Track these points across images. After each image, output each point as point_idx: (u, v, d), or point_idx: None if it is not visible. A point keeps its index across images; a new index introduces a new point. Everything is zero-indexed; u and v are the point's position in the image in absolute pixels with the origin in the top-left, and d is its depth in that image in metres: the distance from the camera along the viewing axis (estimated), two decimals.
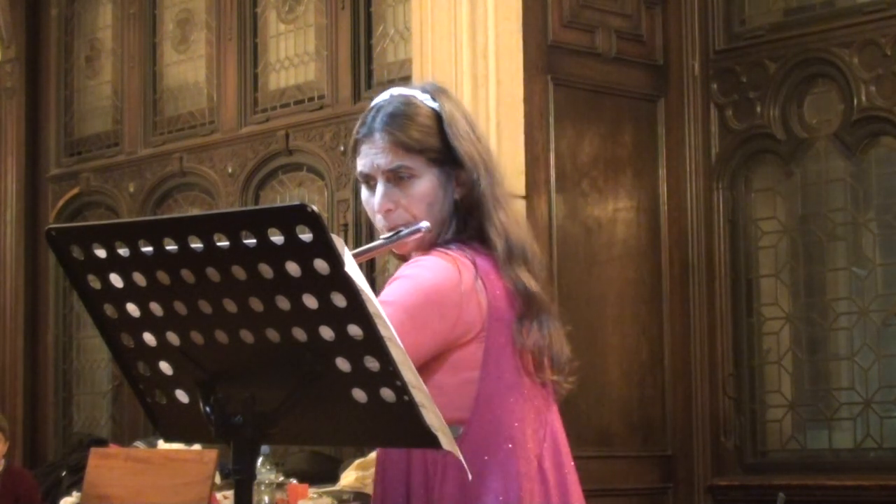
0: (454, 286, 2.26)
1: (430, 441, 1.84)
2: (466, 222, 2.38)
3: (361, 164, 2.39)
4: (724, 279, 6.12)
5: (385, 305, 2.19)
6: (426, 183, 2.36)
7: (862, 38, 5.87)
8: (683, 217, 6.15)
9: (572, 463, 2.41)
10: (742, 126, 6.16)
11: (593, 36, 5.97)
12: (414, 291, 2.25)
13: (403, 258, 2.42)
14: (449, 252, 2.32)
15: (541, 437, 2.34)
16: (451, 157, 2.37)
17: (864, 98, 5.84)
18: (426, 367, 2.25)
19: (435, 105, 2.39)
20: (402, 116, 2.37)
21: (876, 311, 5.85)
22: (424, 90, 2.43)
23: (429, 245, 2.36)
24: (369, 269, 6.48)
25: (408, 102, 2.40)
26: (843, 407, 5.91)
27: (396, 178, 2.36)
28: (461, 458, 1.97)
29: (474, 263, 2.31)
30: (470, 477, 2.15)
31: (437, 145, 2.37)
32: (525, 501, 2.28)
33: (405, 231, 2.34)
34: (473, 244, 2.36)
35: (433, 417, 1.83)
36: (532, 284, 2.34)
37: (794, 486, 5.70)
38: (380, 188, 2.38)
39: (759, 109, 6.11)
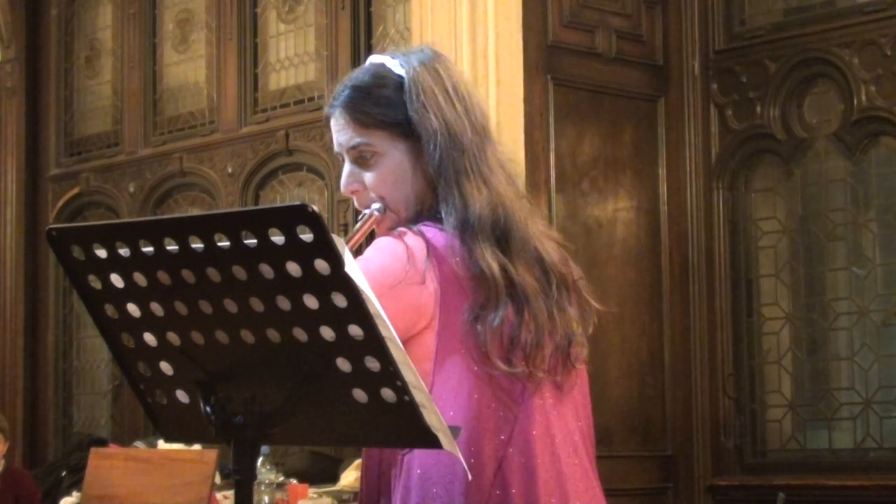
0: (399, 268, 2.13)
1: (431, 441, 1.84)
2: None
3: (333, 142, 2.33)
4: (724, 279, 6.12)
5: None
6: (389, 162, 2.25)
7: (862, 38, 5.87)
8: (683, 217, 6.15)
9: (565, 462, 2.20)
10: (742, 126, 6.16)
11: (593, 36, 5.97)
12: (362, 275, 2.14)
13: None
14: (406, 231, 2.19)
15: (504, 438, 2.15)
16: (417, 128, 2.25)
17: (864, 98, 5.84)
18: None
19: (401, 72, 2.27)
20: (362, 90, 2.27)
21: (876, 311, 5.85)
22: (397, 56, 2.31)
23: (405, 224, 2.25)
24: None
25: (374, 73, 2.29)
26: (843, 407, 5.91)
27: (360, 157, 2.28)
28: (461, 458, 1.97)
29: (428, 243, 2.16)
30: (470, 477, 2.12)
31: (401, 117, 2.25)
32: None
33: (363, 219, 2.26)
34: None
35: (434, 418, 1.83)
36: (491, 264, 2.15)
37: (794, 486, 5.70)
38: (345, 169, 2.31)
39: (759, 109, 6.11)
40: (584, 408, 2.31)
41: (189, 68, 8.21)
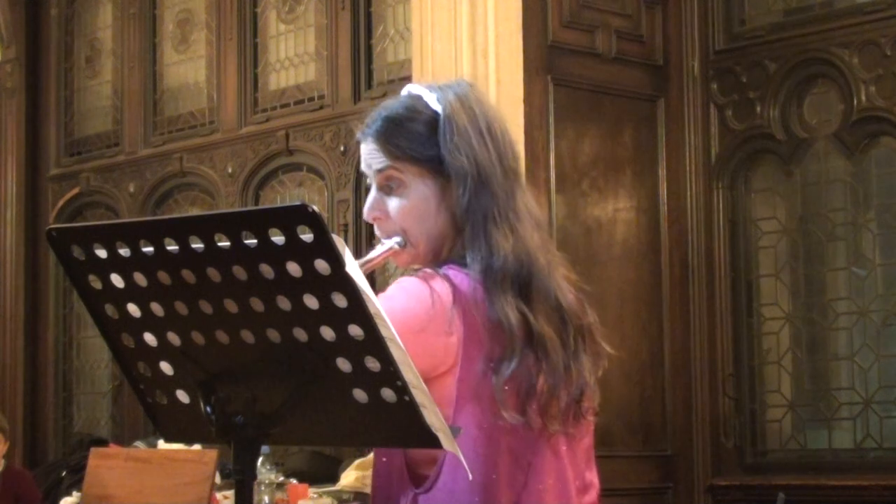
0: (423, 313, 2.11)
1: (431, 441, 1.84)
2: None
3: (361, 163, 2.31)
4: (724, 279, 6.12)
5: None
6: (415, 195, 2.23)
7: (862, 38, 5.87)
8: (683, 217, 6.15)
9: None
10: (742, 126, 6.16)
11: (593, 36, 5.97)
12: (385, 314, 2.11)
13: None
14: (432, 274, 2.17)
15: (519, 484, 2.15)
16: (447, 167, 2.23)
17: (864, 98, 5.84)
18: None
19: (438, 108, 2.24)
20: (395, 122, 2.24)
21: (876, 311, 5.85)
22: (435, 90, 2.28)
23: (425, 260, 2.24)
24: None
25: (409, 106, 2.26)
26: (843, 407, 5.91)
27: (387, 184, 2.25)
28: (461, 457, 1.97)
29: (455, 289, 2.14)
30: (470, 476, 2.11)
31: (432, 154, 2.22)
32: None
33: (381, 249, 2.24)
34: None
35: (433, 417, 1.83)
36: (511, 315, 2.13)
37: (794, 486, 5.70)
38: (371, 195, 2.28)
39: (759, 109, 6.11)
40: (588, 450, 2.33)
41: (189, 68, 8.21)
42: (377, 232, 2.30)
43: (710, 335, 6.11)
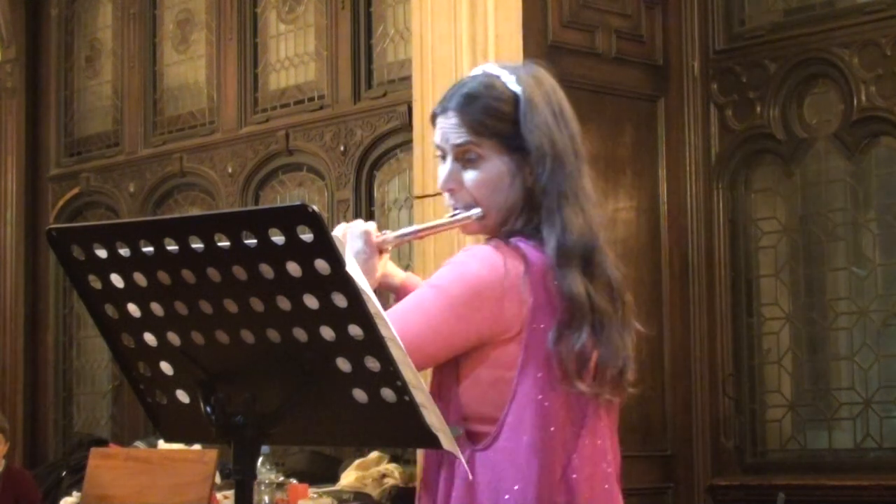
0: (496, 281, 2.22)
1: (431, 441, 1.84)
2: (536, 213, 2.33)
3: (436, 136, 2.38)
4: (724, 279, 6.12)
5: (429, 288, 2.22)
6: (491, 168, 2.33)
7: (862, 38, 5.87)
8: (683, 217, 6.15)
9: (613, 476, 2.32)
10: (742, 126, 6.16)
11: (593, 36, 5.97)
12: (457, 279, 2.22)
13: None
14: (504, 245, 2.28)
15: (571, 447, 2.26)
16: (525, 145, 2.32)
17: (864, 98, 5.84)
18: (468, 358, 2.23)
19: (517, 89, 2.35)
20: (476, 98, 2.34)
21: (876, 311, 5.85)
22: (513, 71, 2.38)
23: (493, 231, 2.34)
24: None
25: (488, 84, 2.36)
26: (843, 407, 5.90)
27: (464, 158, 2.34)
28: (461, 457, 1.97)
29: (526, 261, 2.25)
30: (470, 477, 2.14)
31: (510, 131, 2.33)
32: None
33: (458, 216, 2.33)
34: (539, 238, 2.30)
35: (433, 417, 1.83)
36: (579, 290, 2.25)
37: (794, 486, 5.70)
38: (447, 166, 2.36)
39: (759, 109, 6.11)
40: (616, 420, 2.41)
41: (189, 68, 8.21)
42: (448, 201, 2.38)
43: (710, 335, 6.11)
